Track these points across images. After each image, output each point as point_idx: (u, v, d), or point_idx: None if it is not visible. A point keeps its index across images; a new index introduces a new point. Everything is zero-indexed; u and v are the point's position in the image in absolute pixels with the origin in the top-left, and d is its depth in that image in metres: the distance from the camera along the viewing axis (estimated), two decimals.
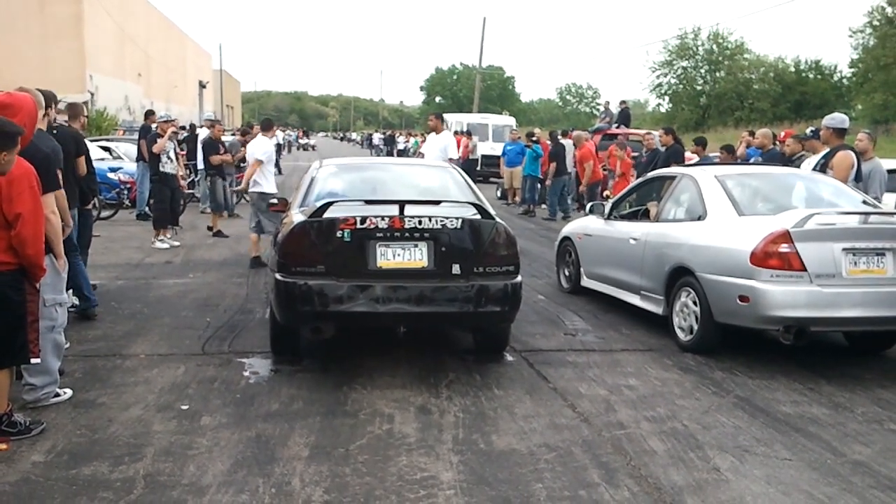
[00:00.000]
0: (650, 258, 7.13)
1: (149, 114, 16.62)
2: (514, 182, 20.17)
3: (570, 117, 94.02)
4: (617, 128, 23.30)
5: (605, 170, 17.34)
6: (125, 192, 16.07)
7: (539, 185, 18.45)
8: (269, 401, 5.03)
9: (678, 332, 6.62)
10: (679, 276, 6.63)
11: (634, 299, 7.45)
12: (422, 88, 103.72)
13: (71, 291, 5.33)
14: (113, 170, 16.22)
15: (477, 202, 6.02)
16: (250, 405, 4.93)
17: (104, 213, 14.47)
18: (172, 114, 53.17)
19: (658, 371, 5.92)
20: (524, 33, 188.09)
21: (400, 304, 5.34)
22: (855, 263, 5.85)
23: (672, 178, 7.62)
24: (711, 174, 7.02)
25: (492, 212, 5.79)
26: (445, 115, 14.67)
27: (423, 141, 16.44)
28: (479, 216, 5.65)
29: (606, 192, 16.33)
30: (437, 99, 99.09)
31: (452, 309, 5.44)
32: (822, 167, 7.70)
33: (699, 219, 6.71)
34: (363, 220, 5.35)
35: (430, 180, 7.16)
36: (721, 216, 6.47)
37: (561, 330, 7.18)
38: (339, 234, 5.35)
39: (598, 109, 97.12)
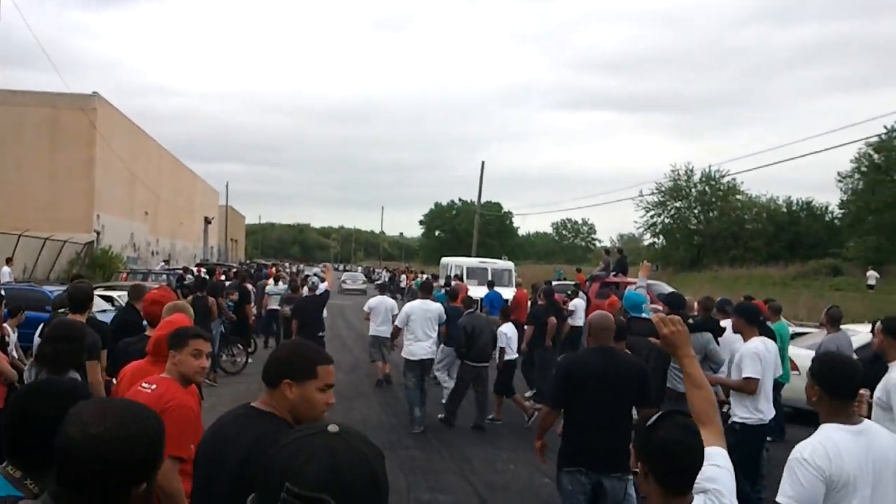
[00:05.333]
0: None
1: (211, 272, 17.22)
2: None
3: (567, 251, 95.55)
4: (615, 276, 23.61)
5: None
6: None
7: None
8: None
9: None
10: None
11: None
12: (421, 222, 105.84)
13: None
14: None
15: None
16: None
17: None
18: (177, 249, 53.28)
19: None
20: (521, 168, 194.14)
21: None
22: None
23: None
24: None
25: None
26: (444, 259, 15.48)
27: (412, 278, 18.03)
28: None
29: None
30: (437, 233, 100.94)
31: None
32: None
33: None
34: None
35: None
36: None
37: None
38: None
39: (593, 244, 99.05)
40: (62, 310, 7.07)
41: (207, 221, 65.12)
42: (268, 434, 2.35)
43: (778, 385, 8.60)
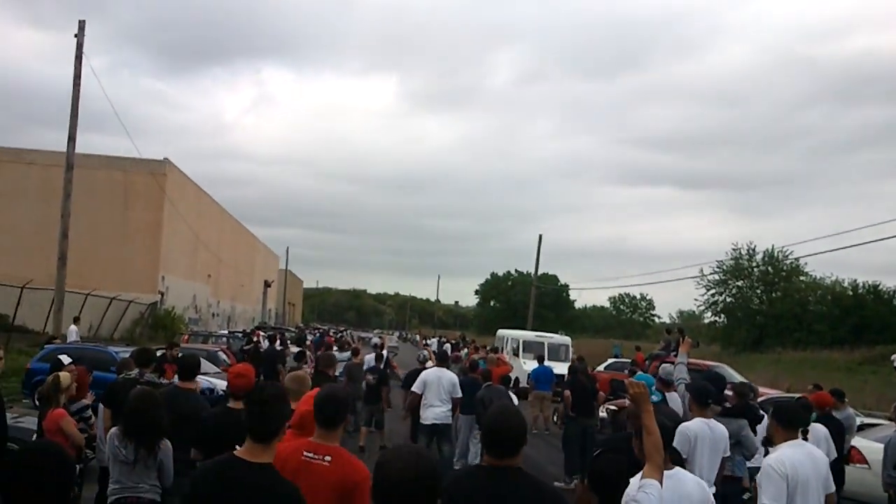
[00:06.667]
0: None
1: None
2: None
3: (625, 325, 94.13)
4: (675, 356, 23.16)
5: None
6: None
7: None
8: None
9: None
10: None
11: None
12: (477, 292, 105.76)
13: None
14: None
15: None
16: None
17: None
18: (237, 312, 53.65)
19: None
20: (578, 241, 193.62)
21: None
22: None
23: None
24: None
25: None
26: (500, 331, 15.71)
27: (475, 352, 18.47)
28: None
29: None
30: (492, 303, 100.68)
31: None
32: None
33: None
34: None
35: None
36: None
37: None
38: None
39: (651, 320, 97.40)
40: (132, 372, 7.22)
41: (267, 285, 66.25)
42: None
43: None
